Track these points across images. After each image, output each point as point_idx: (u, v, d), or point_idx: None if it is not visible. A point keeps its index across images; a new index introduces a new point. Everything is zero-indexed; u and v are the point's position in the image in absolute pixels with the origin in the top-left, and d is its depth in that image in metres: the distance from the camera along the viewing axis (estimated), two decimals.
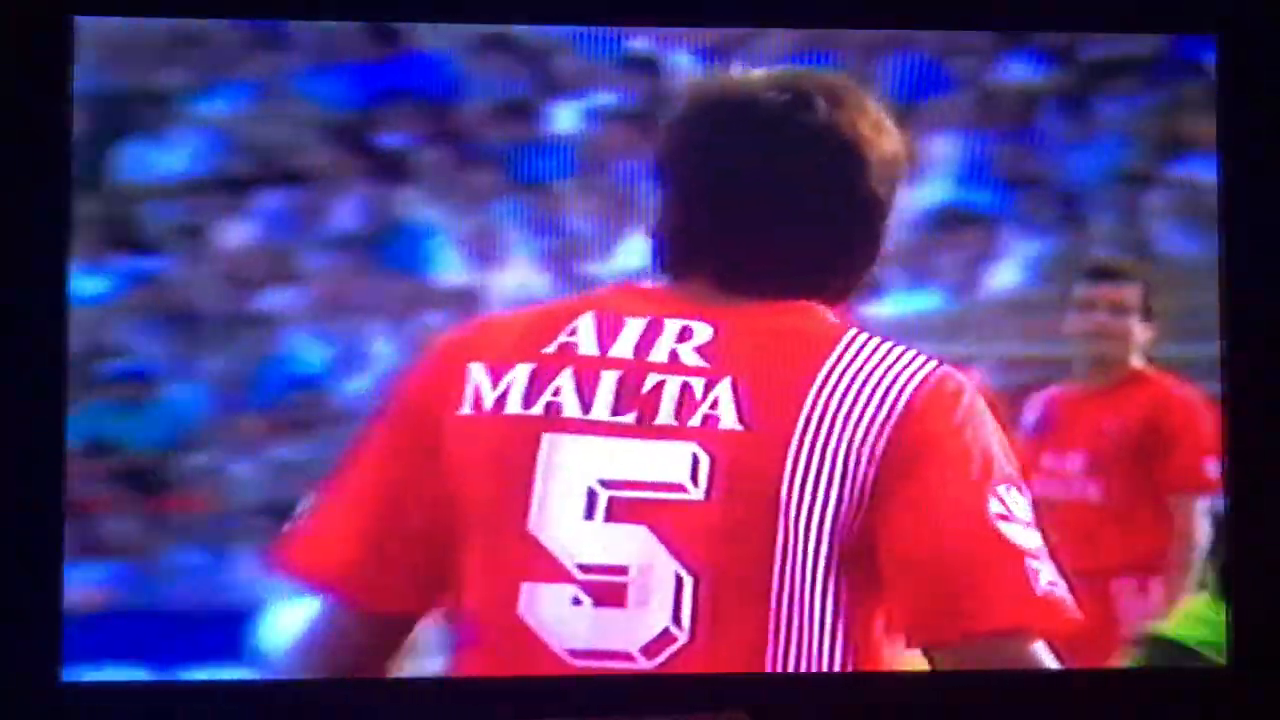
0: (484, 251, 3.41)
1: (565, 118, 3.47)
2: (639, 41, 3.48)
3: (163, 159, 3.35)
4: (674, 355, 2.18)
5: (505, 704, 2.66)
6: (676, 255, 2.26)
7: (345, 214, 3.37)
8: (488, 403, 2.18)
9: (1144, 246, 3.69)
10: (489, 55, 3.44)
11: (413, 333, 3.36)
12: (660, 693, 2.48)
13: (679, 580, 2.15)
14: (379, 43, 3.39)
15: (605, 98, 3.48)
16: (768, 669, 2.14)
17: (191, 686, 3.12)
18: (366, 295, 3.36)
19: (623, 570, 2.16)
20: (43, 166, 3.08)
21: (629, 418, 2.16)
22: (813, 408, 2.14)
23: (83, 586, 3.17)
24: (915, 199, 3.69)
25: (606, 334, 2.19)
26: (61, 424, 3.04)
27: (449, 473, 2.19)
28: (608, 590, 2.16)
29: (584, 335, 2.19)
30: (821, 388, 2.14)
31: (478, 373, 2.20)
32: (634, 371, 2.17)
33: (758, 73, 2.29)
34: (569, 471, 2.17)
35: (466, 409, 2.19)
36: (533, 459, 2.16)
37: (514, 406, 2.18)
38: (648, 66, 3.49)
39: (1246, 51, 3.28)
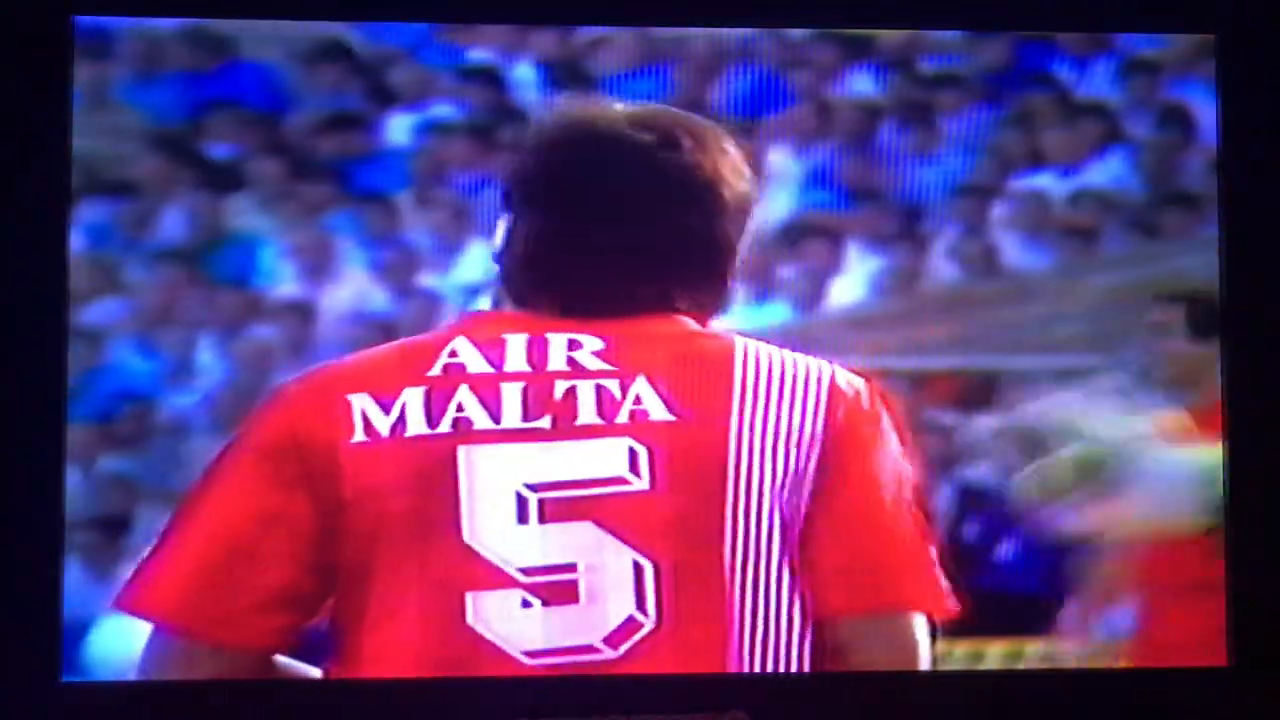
0: (317, 264, 3.37)
1: (400, 129, 3.42)
2: (479, 52, 3.46)
3: None
4: (573, 362, 2.21)
5: (498, 705, 2.64)
6: (526, 281, 2.28)
7: (172, 225, 3.32)
8: (384, 428, 2.20)
9: (989, 260, 3.69)
10: (321, 65, 3.40)
11: (242, 345, 3.31)
12: (661, 693, 2.47)
13: (638, 568, 2.18)
14: (206, 51, 3.34)
15: (442, 109, 3.44)
16: (735, 649, 2.19)
17: (192, 686, 3.07)
18: (194, 307, 3.30)
19: (570, 568, 2.18)
20: (42, 167, 3.05)
21: (544, 422, 2.19)
22: (742, 393, 2.20)
23: None
24: (761, 212, 3.68)
25: (490, 352, 2.21)
26: (62, 423, 3.00)
27: (350, 502, 2.18)
28: (556, 589, 2.18)
29: (467, 355, 2.23)
30: (744, 378, 2.20)
31: (362, 401, 2.21)
32: (537, 381, 2.21)
33: (620, 107, 2.33)
34: (492, 480, 2.19)
35: (360, 437, 2.19)
36: (452, 474, 2.18)
37: (417, 427, 2.19)
38: (487, 77, 3.46)
39: (1245, 51, 3.29)
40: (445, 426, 2.20)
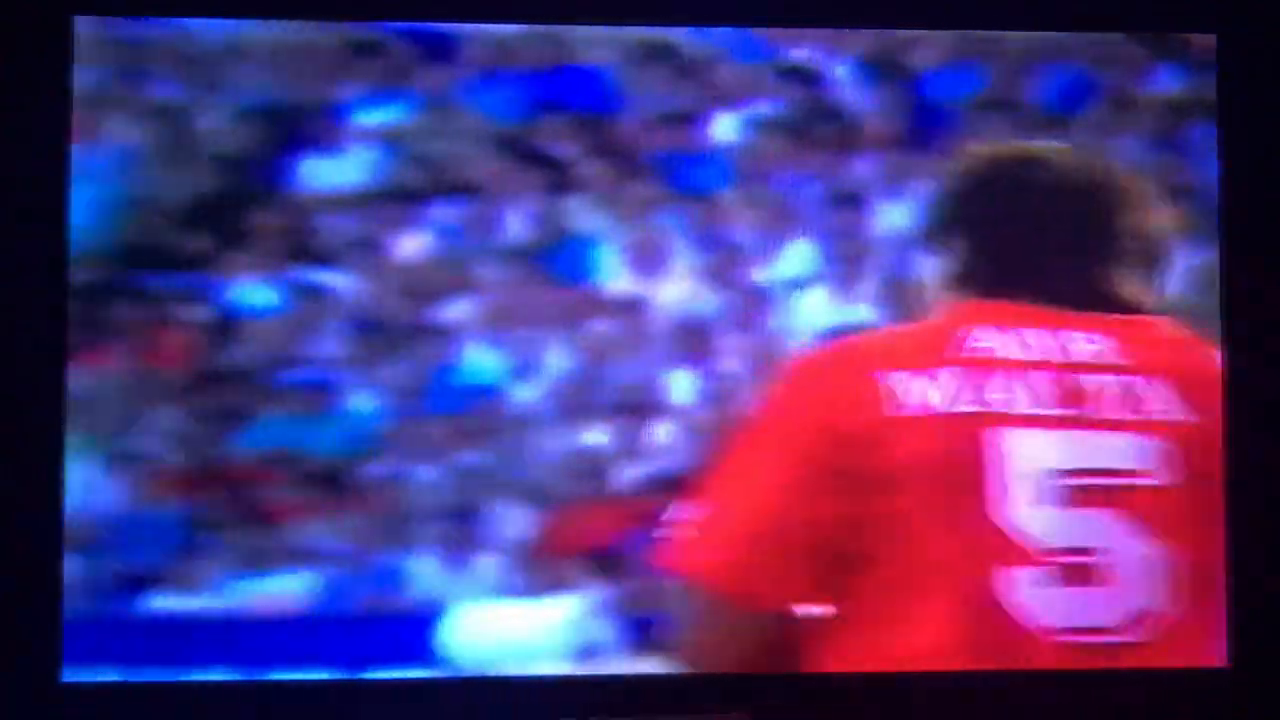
0: (647, 261, 3.43)
1: (725, 128, 3.48)
2: (798, 52, 3.50)
3: (336, 171, 3.37)
4: (1098, 357, 2.36)
5: (510, 705, 2.69)
6: (999, 277, 2.44)
7: (515, 225, 3.39)
8: (918, 405, 2.31)
9: None
10: (648, 66, 3.46)
11: (582, 340, 3.38)
12: (662, 693, 2.52)
13: (1149, 560, 2.35)
14: (543, 53, 3.41)
15: (764, 108, 3.50)
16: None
17: (191, 686, 3.13)
18: (537, 305, 3.38)
19: (1090, 552, 2.35)
20: (42, 167, 3.10)
21: (1072, 411, 2.35)
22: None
23: (274, 590, 3.24)
24: None
25: (1013, 340, 2.36)
26: (60, 425, 3.07)
27: (885, 475, 2.33)
28: (1077, 571, 2.34)
29: (994, 342, 2.33)
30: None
31: (895, 379, 2.31)
32: (1064, 372, 2.36)
33: (1057, 147, 2.58)
34: (1023, 462, 2.33)
35: (899, 411, 2.32)
36: (984, 452, 2.33)
37: (952, 406, 2.34)
38: (806, 77, 3.51)
39: (1245, 51, 3.30)
40: (979, 407, 2.30)
